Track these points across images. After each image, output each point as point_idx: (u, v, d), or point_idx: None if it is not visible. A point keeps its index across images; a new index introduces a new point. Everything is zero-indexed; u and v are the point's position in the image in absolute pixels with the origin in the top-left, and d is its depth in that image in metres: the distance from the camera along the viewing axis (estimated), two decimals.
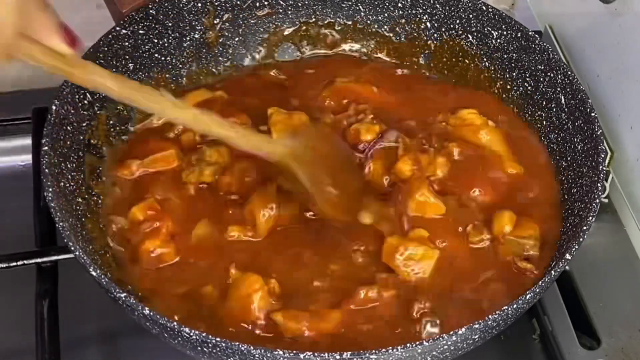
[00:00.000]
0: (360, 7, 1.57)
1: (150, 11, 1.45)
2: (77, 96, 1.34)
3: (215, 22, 1.52)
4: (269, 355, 1.07)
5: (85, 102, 1.36)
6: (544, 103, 1.44)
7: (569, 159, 1.37)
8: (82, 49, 1.09)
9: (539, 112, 1.45)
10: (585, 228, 1.21)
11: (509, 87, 1.49)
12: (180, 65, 1.51)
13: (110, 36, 1.41)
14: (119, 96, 1.16)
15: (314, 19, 1.58)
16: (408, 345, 1.08)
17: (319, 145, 1.28)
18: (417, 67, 1.56)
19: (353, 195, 1.29)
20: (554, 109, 1.42)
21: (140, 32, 1.45)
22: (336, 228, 1.30)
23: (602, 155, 1.29)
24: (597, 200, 1.24)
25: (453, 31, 1.53)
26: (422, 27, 1.55)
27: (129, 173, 1.37)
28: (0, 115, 1.57)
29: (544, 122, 1.43)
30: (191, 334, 1.08)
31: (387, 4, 1.55)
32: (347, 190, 1.27)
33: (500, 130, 1.45)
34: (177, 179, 1.37)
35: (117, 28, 1.42)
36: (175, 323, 1.09)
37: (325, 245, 1.29)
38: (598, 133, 1.31)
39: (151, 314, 1.09)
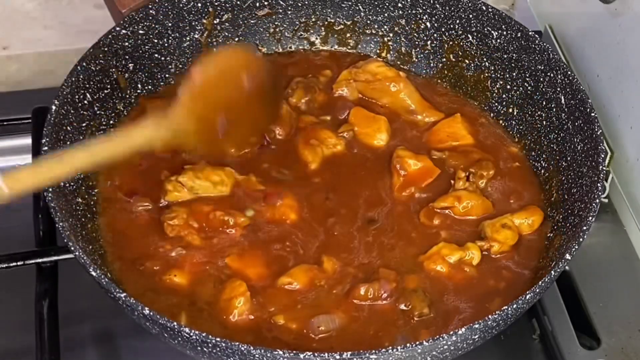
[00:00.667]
0: (360, 7, 1.57)
1: (150, 11, 1.45)
2: (77, 96, 1.34)
3: (215, 22, 1.52)
4: (269, 355, 1.07)
5: (85, 102, 1.36)
6: (544, 103, 1.44)
7: (569, 159, 1.37)
8: None
9: (539, 112, 1.45)
10: (585, 228, 1.21)
11: (509, 87, 1.49)
12: (180, 65, 1.51)
13: (110, 36, 1.41)
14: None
15: (313, 19, 1.58)
16: (408, 345, 1.08)
17: (223, 80, 1.19)
18: (417, 67, 1.56)
19: (250, 129, 1.25)
20: (554, 109, 1.42)
21: (140, 32, 1.45)
22: None
23: (602, 155, 1.29)
24: (597, 200, 1.24)
25: (453, 31, 1.53)
26: (422, 27, 1.55)
27: None
28: (0, 115, 1.57)
29: (544, 122, 1.43)
30: (191, 334, 1.08)
31: (387, 4, 1.55)
32: (246, 125, 1.23)
33: (409, 81, 1.50)
34: None
35: (117, 28, 1.42)
36: (175, 323, 1.09)
37: None
38: (598, 133, 1.31)
39: (151, 314, 1.09)
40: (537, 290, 1.14)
